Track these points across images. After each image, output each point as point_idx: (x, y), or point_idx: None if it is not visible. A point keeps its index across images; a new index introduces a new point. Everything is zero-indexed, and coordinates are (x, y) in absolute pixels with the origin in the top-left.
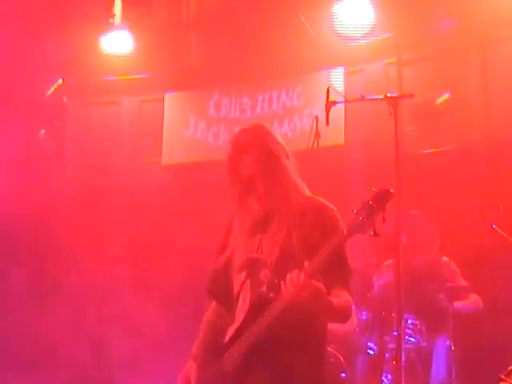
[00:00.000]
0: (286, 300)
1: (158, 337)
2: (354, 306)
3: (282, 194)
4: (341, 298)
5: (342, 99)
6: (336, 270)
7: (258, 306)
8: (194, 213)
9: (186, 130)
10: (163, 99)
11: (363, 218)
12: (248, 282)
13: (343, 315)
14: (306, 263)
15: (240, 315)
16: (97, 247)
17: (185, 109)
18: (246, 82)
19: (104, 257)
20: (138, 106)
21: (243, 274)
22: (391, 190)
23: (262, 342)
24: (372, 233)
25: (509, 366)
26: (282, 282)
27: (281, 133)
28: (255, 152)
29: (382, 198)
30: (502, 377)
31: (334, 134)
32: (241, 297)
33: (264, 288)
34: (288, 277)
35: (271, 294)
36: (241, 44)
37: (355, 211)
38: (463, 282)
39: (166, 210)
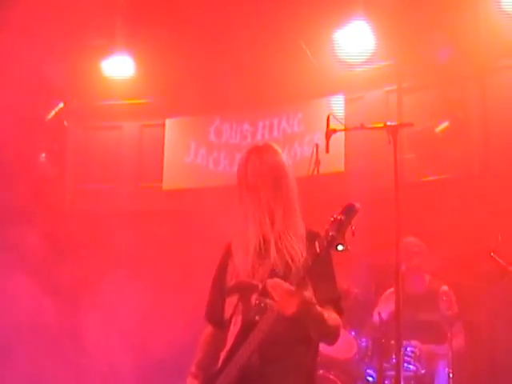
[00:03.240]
0: (270, 318)
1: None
2: (353, 333)
3: (289, 222)
4: (329, 313)
5: (342, 127)
6: (324, 290)
7: (246, 330)
8: (194, 238)
9: (187, 155)
10: (164, 124)
11: (334, 233)
12: (240, 306)
13: (332, 332)
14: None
15: (231, 339)
16: (98, 272)
17: (185, 134)
18: (247, 109)
19: (104, 282)
20: (139, 130)
21: (235, 297)
22: (357, 205)
23: (252, 367)
24: (343, 248)
25: None
26: (270, 304)
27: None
28: (269, 174)
29: (349, 212)
30: None
31: (334, 161)
32: (233, 320)
33: (252, 312)
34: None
35: (256, 317)
36: (242, 70)
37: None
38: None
39: (167, 235)
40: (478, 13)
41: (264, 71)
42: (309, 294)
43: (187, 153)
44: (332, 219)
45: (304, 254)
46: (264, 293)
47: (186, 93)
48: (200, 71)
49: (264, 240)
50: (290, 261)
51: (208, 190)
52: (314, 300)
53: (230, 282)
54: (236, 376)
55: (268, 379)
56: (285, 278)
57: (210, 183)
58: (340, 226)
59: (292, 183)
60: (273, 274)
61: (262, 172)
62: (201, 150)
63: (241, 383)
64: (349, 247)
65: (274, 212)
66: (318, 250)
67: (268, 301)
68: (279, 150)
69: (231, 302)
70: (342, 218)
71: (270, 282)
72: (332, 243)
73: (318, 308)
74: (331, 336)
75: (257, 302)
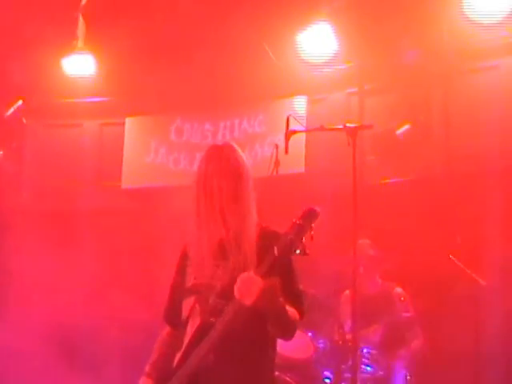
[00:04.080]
0: (228, 320)
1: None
2: (310, 334)
3: (245, 222)
4: (290, 309)
5: (303, 128)
6: (284, 287)
7: (202, 332)
8: (154, 237)
9: (147, 154)
10: (124, 123)
11: (292, 238)
12: (197, 307)
13: (291, 327)
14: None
15: (187, 340)
16: (54, 271)
17: (146, 133)
18: (209, 109)
19: (61, 281)
20: (99, 129)
21: (192, 299)
22: (317, 209)
23: (207, 367)
24: (301, 252)
25: None
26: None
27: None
28: (227, 174)
29: (309, 216)
30: None
31: (295, 162)
32: (189, 322)
33: (208, 313)
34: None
35: (212, 319)
36: (204, 70)
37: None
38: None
39: (126, 233)
40: (441, 17)
41: (226, 71)
42: (275, 280)
43: (147, 152)
44: (292, 223)
45: (254, 256)
46: (221, 294)
47: (147, 92)
48: (161, 70)
49: (220, 241)
50: (244, 263)
51: (168, 190)
52: (279, 287)
53: (188, 283)
54: (191, 375)
55: (223, 378)
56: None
57: (169, 182)
58: (299, 231)
59: (250, 183)
60: (230, 275)
61: (220, 171)
62: (161, 149)
63: (195, 382)
64: (307, 251)
65: (226, 212)
66: (276, 253)
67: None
68: (239, 150)
69: (188, 303)
70: (302, 222)
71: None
72: (291, 247)
73: (281, 300)
74: (289, 331)
75: (213, 303)
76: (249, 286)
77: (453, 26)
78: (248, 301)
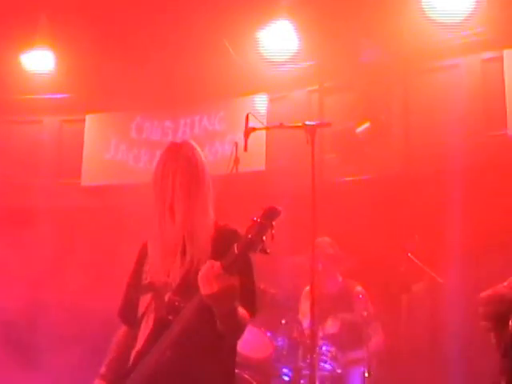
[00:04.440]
0: (185, 318)
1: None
2: (269, 333)
3: (198, 220)
4: (241, 311)
5: (262, 126)
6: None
7: (158, 329)
8: (113, 235)
9: (107, 151)
10: (84, 120)
11: (252, 236)
12: (153, 305)
13: (239, 330)
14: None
15: (142, 338)
16: (11, 268)
17: (106, 130)
18: (169, 106)
19: (19, 279)
20: (59, 125)
21: (149, 296)
22: (278, 208)
23: (164, 365)
24: (262, 251)
25: None
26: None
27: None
28: (183, 171)
29: (270, 215)
30: None
31: (256, 159)
32: (145, 319)
33: (164, 311)
34: (203, 269)
35: (170, 317)
36: (164, 67)
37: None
38: (373, 312)
39: (85, 231)
40: (401, 16)
41: (187, 69)
42: (235, 280)
43: (107, 149)
44: (252, 221)
45: (209, 254)
46: (177, 291)
47: (107, 89)
48: (122, 67)
49: (175, 239)
50: (198, 261)
51: (128, 187)
52: (237, 291)
53: (145, 281)
54: (148, 374)
55: (181, 376)
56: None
57: (129, 180)
58: (260, 230)
59: (207, 182)
60: (186, 273)
61: (176, 169)
62: (121, 146)
63: (153, 381)
64: (268, 250)
65: (181, 210)
66: (236, 251)
67: (180, 300)
68: (197, 148)
69: (145, 300)
70: (263, 221)
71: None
72: (250, 246)
73: (236, 302)
74: (237, 332)
75: (170, 300)
76: (211, 278)
77: (413, 25)
78: (207, 291)
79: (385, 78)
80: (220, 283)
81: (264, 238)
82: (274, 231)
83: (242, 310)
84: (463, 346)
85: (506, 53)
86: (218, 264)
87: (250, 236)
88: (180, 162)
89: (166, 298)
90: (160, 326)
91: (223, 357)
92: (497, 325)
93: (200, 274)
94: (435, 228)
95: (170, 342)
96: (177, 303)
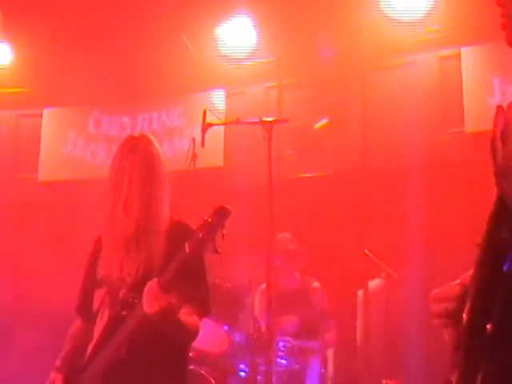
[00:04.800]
0: (139, 315)
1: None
2: (226, 328)
3: (153, 214)
4: (190, 317)
5: (219, 121)
6: (189, 290)
7: (112, 325)
8: (70, 230)
9: (65, 146)
10: (42, 114)
11: (203, 236)
12: (107, 299)
13: (189, 338)
14: (161, 276)
15: (97, 332)
16: None
17: (64, 125)
18: (127, 101)
19: None
20: (16, 120)
21: (103, 291)
22: (229, 208)
23: (119, 361)
24: (213, 250)
25: None
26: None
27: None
28: (140, 165)
29: (221, 215)
30: None
31: (213, 155)
32: (99, 314)
33: (119, 306)
34: (146, 287)
35: (123, 312)
36: (123, 62)
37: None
38: (329, 308)
39: (42, 226)
40: (360, 14)
41: (145, 64)
42: (174, 300)
43: (65, 144)
44: (203, 221)
45: (162, 249)
46: (132, 287)
47: (65, 83)
48: (80, 62)
49: (130, 233)
50: (152, 256)
51: (85, 182)
52: (177, 307)
53: (99, 275)
54: (103, 368)
55: (136, 371)
56: (150, 273)
57: (87, 175)
58: (210, 229)
59: (163, 175)
60: (140, 268)
61: (132, 163)
62: (79, 141)
63: (108, 376)
64: (219, 250)
65: (136, 205)
66: (187, 250)
67: (134, 295)
68: (154, 142)
69: (99, 295)
70: (213, 220)
71: (149, 283)
72: (201, 246)
73: (178, 316)
74: (188, 339)
75: (124, 296)
76: (151, 298)
77: (371, 22)
78: (148, 310)
79: (343, 74)
80: (159, 303)
81: (215, 237)
82: (224, 231)
83: (192, 319)
84: (419, 342)
85: (463, 50)
86: (155, 284)
87: (200, 235)
88: (137, 156)
89: (121, 293)
90: (114, 322)
91: (175, 356)
92: (449, 322)
93: (144, 292)
94: (393, 224)
95: (123, 339)
96: (131, 299)
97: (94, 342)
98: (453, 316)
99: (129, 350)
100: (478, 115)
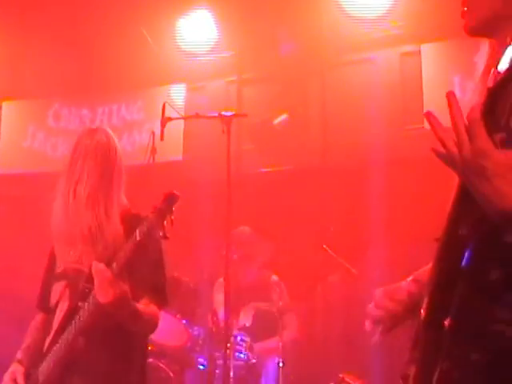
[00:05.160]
0: (94, 304)
1: None
2: (185, 321)
3: (109, 206)
4: (148, 307)
5: (179, 115)
6: (144, 279)
7: (70, 315)
8: (30, 224)
9: (24, 139)
10: (1, 107)
11: (152, 221)
12: (67, 292)
13: (148, 327)
14: (113, 264)
15: (56, 324)
16: None
17: (23, 118)
18: (87, 94)
19: None
20: None
21: (63, 283)
22: (177, 193)
23: (77, 351)
24: (163, 236)
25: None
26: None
27: (120, 147)
28: (95, 156)
29: (169, 200)
30: None
31: (173, 149)
32: (59, 306)
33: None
34: (98, 276)
35: (79, 303)
36: (83, 55)
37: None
38: (289, 302)
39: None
40: (320, 10)
41: (105, 57)
42: (126, 287)
43: (24, 137)
44: (153, 207)
45: (118, 239)
46: (89, 279)
47: (24, 76)
48: (40, 54)
49: (87, 226)
50: (110, 247)
51: (45, 176)
52: (129, 295)
53: (59, 268)
54: (60, 359)
55: (93, 363)
56: (106, 264)
57: (47, 168)
58: (160, 214)
59: (119, 167)
60: (99, 260)
61: (87, 155)
62: (38, 134)
63: (65, 366)
64: (168, 235)
65: (92, 196)
66: (138, 237)
67: (92, 287)
68: (112, 134)
69: (58, 288)
70: (162, 206)
71: (94, 266)
72: (151, 232)
73: (133, 304)
74: (147, 330)
75: (82, 288)
76: (105, 286)
77: (331, 19)
78: (103, 299)
79: (303, 70)
80: (113, 291)
81: (165, 222)
82: (173, 217)
83: (150, 309)
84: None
85: (423, 47)
86: (107, 272)
87: (150, 221)
88: (92, 147)
89: (80, 286)
90: (72, 313)
91: (134, 347)
92: (390, 323)
93: (95, 281)
94: (352, 220)
95: (79, 329)
96: (87, 290)
97: (51, 333)
98: (390, 318)
99: (87, 341)
100: (437, 112)
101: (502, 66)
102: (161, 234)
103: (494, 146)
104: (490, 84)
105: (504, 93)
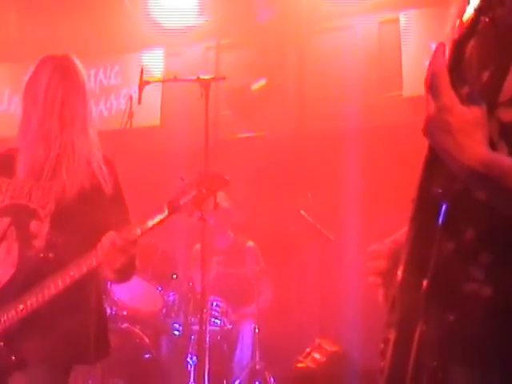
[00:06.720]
0: (88, 267)
1: None
2: (160, 288)
3: (73, 142)
4: None
5: (157, 79)
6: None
7: (31, 265)
8: None
9: (0, 103)
10: None
11: (189, 201)
12: (13, 230)
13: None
14: (138, 230)
15: (5, 268)
16: None
17: None
18: None
19: None
20: None
21: (6, 220)
22: (226, 177)
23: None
24: (200, 218)
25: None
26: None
27: (97, 111)
28: (70, 90)
29: (214, 183)
30: (300, 359)
31: (150, 114)
32: (4, 246)
33: (39, 244)
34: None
35: (51, 255)
36: (59, 20)
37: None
38: (265, 268)
39: None
40: None
41: (82, 21)
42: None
43: (0, 101)
44: (190, 185)
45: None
46: (54, 225)
47: (0, 40)
48: (15, 19)
49: (46, 161)
50: (66, 187)
51: None
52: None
53: (2, 202)
54: (22, 319)
55: (53, 320)
56: (64, 205)
57: None
58: (199, 195)
59: (89, 105)
60: (51, 199)
61: (59, 85)
62: (14, 98)
63: (25, 326)
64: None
65: (59, 131)
66: (166, 213)
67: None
68: (79, 64)
69: (1, 224)
70: (204, 187)
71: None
72: (183, 210)
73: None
74: (127, 274)
75: (49, 235)
76: (116, 253)
77: None
78: (111, 266)
79: (281, 36)
80: (124, 257)
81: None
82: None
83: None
84: (354, 302)
85: (402, 14)
86: (119, 240)
87: (185, 200)
88: (69, 78)
89: (32, 226)
90: (32, 263)
91: (93, 297)
92: (384, 281)
93: (104, 245)
94: (329, 186)
95: (61, 290)
96: (55, 238)
97: (2, 280)
98: (387, 274)
99: (50, 306)
100: (415, 79)
101: (466, 16)
102: (197, 215)
103: (460, 100)
104: (455, 36)
105: (468, 44)
